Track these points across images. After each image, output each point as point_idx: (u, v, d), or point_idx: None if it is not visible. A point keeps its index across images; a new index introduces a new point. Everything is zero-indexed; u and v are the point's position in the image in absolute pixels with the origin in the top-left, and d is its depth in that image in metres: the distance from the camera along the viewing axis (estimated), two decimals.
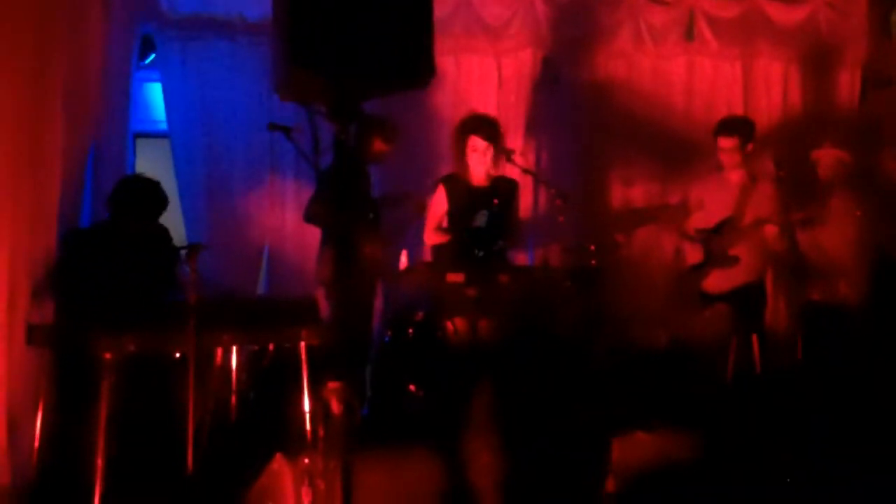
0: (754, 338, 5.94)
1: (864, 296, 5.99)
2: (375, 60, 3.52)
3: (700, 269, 6.09)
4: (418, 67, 3.64)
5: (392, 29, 3.55)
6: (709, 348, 5.91)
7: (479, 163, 5.83)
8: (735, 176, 6.13)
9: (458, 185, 5.95)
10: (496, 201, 5.79)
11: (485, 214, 5.77)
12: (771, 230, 5.85)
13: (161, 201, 5.46)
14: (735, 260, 5.94)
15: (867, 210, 6.12)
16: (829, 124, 7.25)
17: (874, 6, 7.63)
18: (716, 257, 6.02)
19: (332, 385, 3.37)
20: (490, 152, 5.81)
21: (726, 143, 6.09)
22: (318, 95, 3.70)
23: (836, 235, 6.10)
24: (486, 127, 5.84)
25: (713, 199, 6.17)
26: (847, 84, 7.62)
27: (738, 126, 6.18)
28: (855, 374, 5.29)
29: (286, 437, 4.43)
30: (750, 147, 6.11)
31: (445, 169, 6.42)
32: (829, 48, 7.54)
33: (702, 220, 6.17)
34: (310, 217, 5.98)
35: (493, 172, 5.91)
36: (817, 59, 7.54)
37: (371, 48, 3.51)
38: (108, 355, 4.23)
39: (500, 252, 5.86)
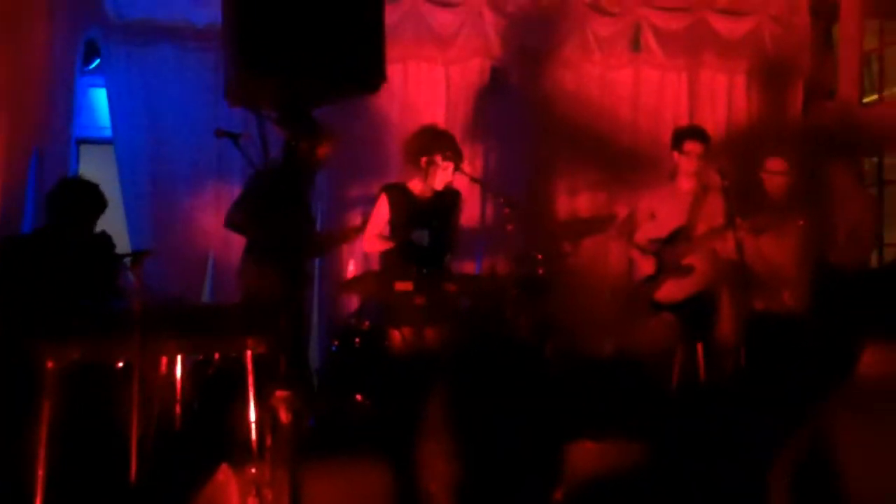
0: (700, 347, 5.99)
1: (806, 305, 6.06)
2: (326, 66, 3.53)
3: (654, 280, 6.12)
4: (369, 73, 3.66)
5: (343, 35, 3.56)
6: (655, 357, 5.94)
7: (443, 180, 5.87)
8: (688, 185, 6.19)
9: (401, 195, 5.96)
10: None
11: (424, 234, 5.79)
12: (723, 239, 5.89)
13: (99, 203, 5.37)
14: (689, 269, 5.99)
15: (809, 220, 6.20)
16: (773, 135, 7.35)
17: (817, 20, 7.75)
18: (669, 267, 6.05)
19: (281, 394, 3.33)
20: (451, 167, 5.85)
21: (695, 147, 6.13)
22: (268, 101, 3.69)
23: (779, 245, 6.17)
24: (452, 146, 5.87)
25: (665, 208, 6.21)
26: (790, 96, 7.71)
27: (702, 133, 6.24)
28: (796, 383, 5.34)
29: (232, 446, 4.38)
30: (704, 156, 6.17)
31: (393, 176, 6.43)
32: (773, 61, 7.64)
33: (653, 230, 6.20)
34: (233, 224, 5.88)
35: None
36: (762, 72, 7.64)
37: (322, 54, 3.51)
38: (50, 364, 4.15)
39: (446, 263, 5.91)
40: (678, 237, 6.07)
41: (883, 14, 7.70)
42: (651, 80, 7.57)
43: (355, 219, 6.75)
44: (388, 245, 5.90)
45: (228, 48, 3.65)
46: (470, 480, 1.99)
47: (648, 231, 6.24)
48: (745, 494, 3.90)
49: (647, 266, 6.16)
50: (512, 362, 2.25)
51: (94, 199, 5.35)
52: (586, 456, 3.59)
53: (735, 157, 7.10)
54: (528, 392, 2.19)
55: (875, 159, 7.58)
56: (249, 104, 4.01)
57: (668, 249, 6.07)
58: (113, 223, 5.64)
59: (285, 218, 5.54)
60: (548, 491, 2.07)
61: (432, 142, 5.91)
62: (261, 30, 3.41)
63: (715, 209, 6.04)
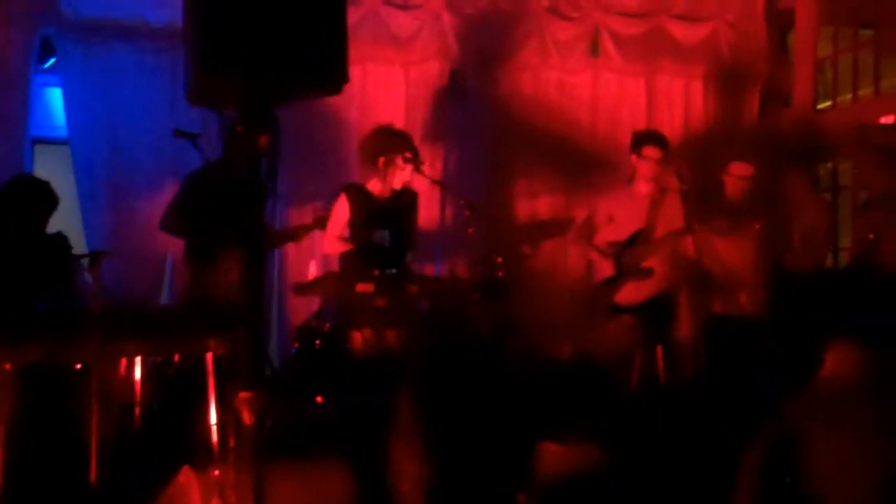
0: (659, 349, 6.03)
1: (763, 308, 6.11)
2: (289, 65, 3.50)
3: (614, 283, 6.15)
4: (332, 73, 3.63)
5: (306, 35, 3.53)
6: (615, 360, 5.97)
7: (401, 180, 5.87)
8: (646, 188, 6.22)
9: (360, 196, 5.94)
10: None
11: (385, 234, 5.79)
12: (682, 242, 5.94)
13: (50, 201, 5.28)
14: (649, 272, 6.02)
15: (765, 224, 6.27)
16: (729, 140, 7.42)
17: (772, 27, 7.84)
18: (629, 270, 6.09)
19: (244, 395, 3.31)
20: (409, 167, 5.85)
21: (653, 152, 6.16)
22: (230, 100, 3.65)
23: (736, 249, 6.23)
24: (410, 146, 5.86)
25: (624, 212, 6.24)
26: (746, 101, 7.80)
27: (660, 138, 6.29)
28: (754, 385, 5.39)
29: (193, 449, 4.34)
30: (662, 159, 6.22)
31: (352, 177, 6.42)
32: (730, 66, 7.72)
33: (612, 233, 6.24)
34: (169, 228, 5.81)
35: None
36: (718, 77, 7.72)
37: (284, 53, 3.48)
38: (7, 366, 4.09)
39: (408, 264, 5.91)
40: (637, 240, 6.10)
41: (837, 22, 7.80)
42: (609, 85, 7.62)
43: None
44: (348, 246, 5.88)
45: (190, 47, 3.61)
46: (440, 480, 2.00)
47: (607, 234, 6.27)
48: (707, 495, 3.93)
49: (606, 269, 6.18)
50: (479, 363, 2.26)
51: (43, 197, 5.26)
52: (549, 458, 3.60)
53: (692, 161, 7.17)
54: (495, 393, 2.19)
55: (829, 165, 7.67)
56: (211, 103, 3.98)
57: (628, 252, 6.10)
58: (69, 224, 5.57)
59: (229, 217, 5.52)
60: (517, 490, 2.07)
61: (390, 142, 5.91)
62: (223, 28, 3.37)
63: (673, 212, 6.09)
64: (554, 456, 3.44)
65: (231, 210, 5.63)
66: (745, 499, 2.52)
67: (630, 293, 6.10)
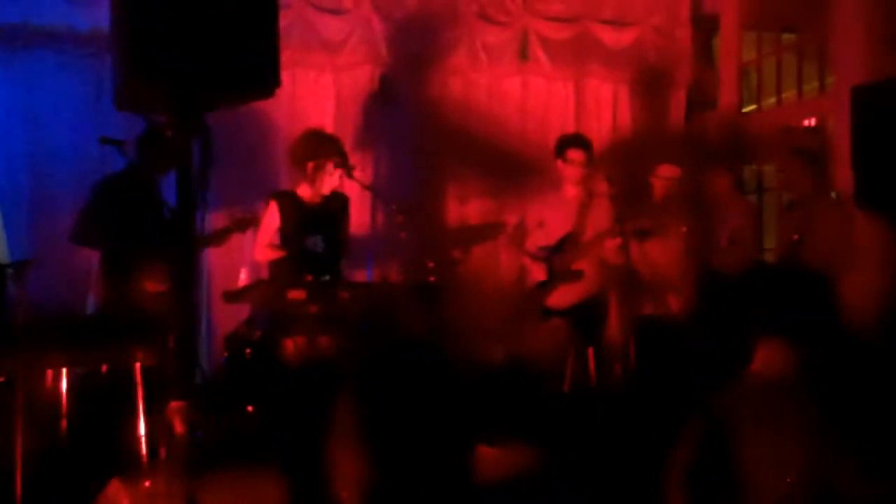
0: (590, 352, 6.07)
1: (691, 309, 6.19)
2: (220, 70, 3.45)
3: (545, 286, 6.18)
4: (264, 78, 3.59)
5: (237, 39, 3.49)
6: (546, 363, 6.00)
7: (331, 185, 5.83)
8: (573, 192, 6.27)
9: (291, 202, 5.90)
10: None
11: (318, 240, 5.75)
12: (611, 244, 5.98)
13: None
14: (579, 275, 6.06)
15: (692, 226, 6.35)
16: (657, 144, 7.51)
17: (698, 32, 7.96)
18: (560, 273, 6.12)
19: (175, 404, 3.25)
20: (338, 172, 5.82)
21: (578, 155, 6.22)
22: (160, 106, 3.59)
23: (664, 250, 6.30)
24: (340, 151, 5.83)
25: (553, 216, 6.28)
26: (673, 105, 7.90)
27: (584, 141, 6.33)
28: (683, 385, 5.45)
29: (122, 460, 4.26)
30: (587, 164, 6.27)
31: (280, 183, 6.37)
32: (656, 71, 7.81)
33: (542, 237, 6.27)
34: (81, 239, 5.69)
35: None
36: (645, 81, 7.80)
37: (215, 57, 3.43)
38: None
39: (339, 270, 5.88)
40: (567, 244, 6.14)
41: (760, 26, 7.94)
42: (538, 89, 7.66)
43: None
44: (280, 254, 5.83)
45: (118, 51, 3.54)
46: (381, 485, 1.98)
47: (538, 239, 6.31)
48: (639, 493, 3.96)
49: (538, 273, 6.21)
50: (415, 367, 2.25)
51: None
52: (483, 461, 3.60)
53: (620, 164, 7.23)
54: (432, 397, 2.18)
55: (754, 167, 7.79)
56: (140, 109, 3.92)
57: (558, 256, 6.14)
58: None
59: (141, 225, 5.46)
60: (460, 494, 2.07)
61: (320, 147, 5.87)
62: (152, 32, 3.31)
63: (602, 215, 6.14)
64: (490, 459, 3.45)
65: (149, 217, 5.59)
66: (676, 492, 2.55)
67: (561, 296, 6.13)
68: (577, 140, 6.37)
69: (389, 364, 2.17)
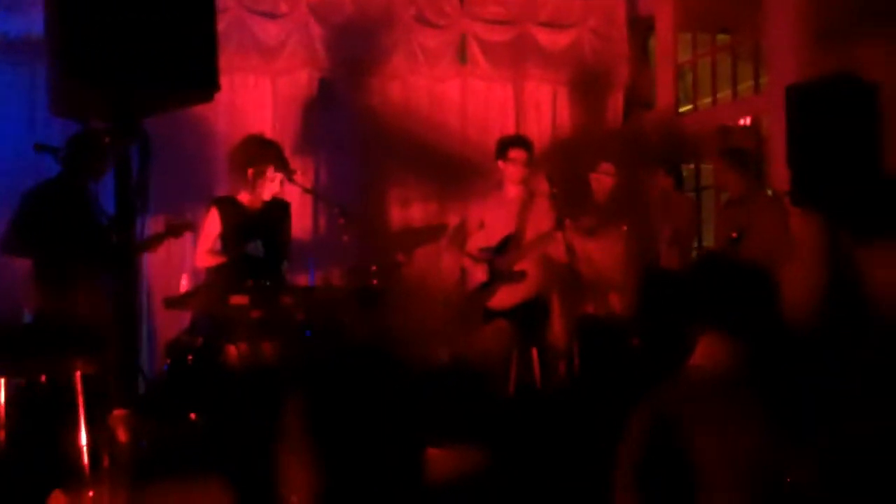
0: (534, 352, 6.09)
1: (633, 307, 6.24)
2: (158, 74, 3.42)
3: (487, 288, 6.18)
4: (202, 82, 3.57)
5: (175, 43, 3.46)
6: (490, 364, 6.01)
7: (272, 190, 5.80)
8: (514, 193, 6.29)
9: (231, 208, 5.86)
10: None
11: (259, 245, 5.71)
12: (553, 244, 6.00)
13: None
14: (522, 275, 6.07)
15: (632, 225, 6.41)
16: (596, 143, 7.58)
17: (634, 33, 8.04)
18: (502, 274, 6.13)
19: (118, 413, 3.21)
20: (279, 177, 5.78)
21: (519, 154, 6.23)
22: (96, 110, 3.55)
23: (605, 250, 6.35)
24: (280, 157, 5.79)
25: (494, 217, 6.30)
26: (611, 106, 7.97)
27: (525, 141, 6.36)
28: (626, 382, 5.49)
29: (64, 471, 4.20)
30: (528, 163, 6.29)
31: (219, 189, 6.32)
32: (594, 72, 7.88)
33: (483, 238, 6.28)
34: (12, 249, 5.56)
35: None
36: (583, 83, 7.86)
37: (153, 62, 3.41)
38: None
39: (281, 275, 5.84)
40: (508, 244, 6.16)
41: (695, 28, 8.05)
42: (478, 92, 7.69)
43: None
44: (221, 259, 5.78)
45: (53, 56, 3.49)
46: (331, 489, 1.98)
47: (479, 240, 6.32)
48: (585, 491, 3.99)
49: (479, 274, 6.22)
50: (361, 371, 2.24)
51: None
52: (433, 463, 3.61)
53: (560, 164, 7.29)
54: (379, 400, 2.18)
55: (692, 165, 7.89)
56: (75, 114, 3.87)
57: (499, 257, 6.15)
58: None
59: (75, 232, 5.39)
60: (417, 496, 2.07)
61: (259, 152, 5.83)
62: (88, 36, 3.28)
63: (543, 215, 6.15)
64: (438, 460, 3.45)
65: (83, 224, 5.52)
66: (624, 489, 2.57)
67: (503, 297, 6.14)
68: (517, 140, 6.40)
69: (336, 368, 2.16)
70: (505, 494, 4.20)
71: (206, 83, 3.52)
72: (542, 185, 6.26)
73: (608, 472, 2.69)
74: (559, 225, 5.86)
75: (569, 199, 6.40)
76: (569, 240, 5.80)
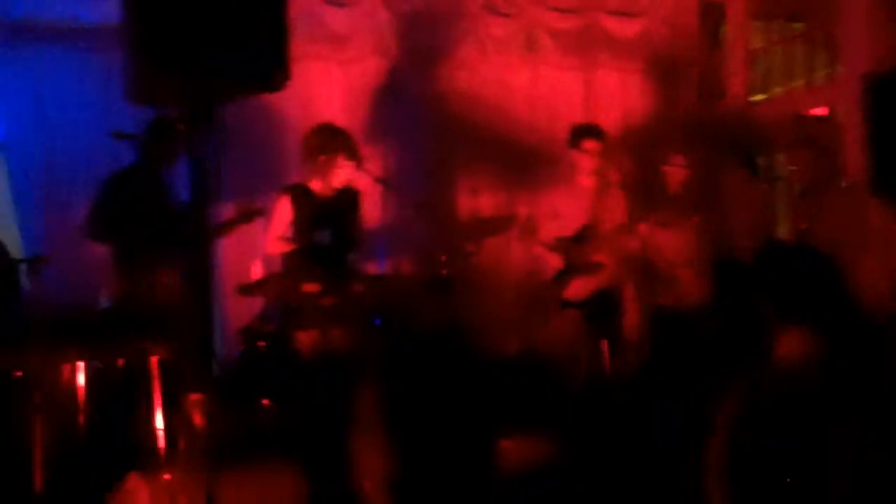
0: (604, 343, 6.05)
1: (706, 298, 6.18)
2: (231, 61, 3.46)
3: (563, 278, 6.15)
4: (274, 71, 3.60)
5: (247, 30, 3.50)
6: (560, 355, 5.99)
7: (342, 178, 5.83)
8: (587, 183, 6.24)
9: (302, 195, 5.90)
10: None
11: (326, 234, 5.75)
12: (631, 236, 5.93)
13: None
14: (598, 266, 6.03)
15: (705, 216, 6.33)
16: (667, 133, 7.49)
17: (705, 21, 7.94)
18: (578, 265, 6.09)
19: (195, 397, 3.26)
20: (350, 166, 5.82)
21: (592, 145, 6.18)
22: (171, 98, 3.60)
23: (677, 240, 6.28)
24: (350, 145, 5.84)
25: (568, 207, 6.26)
26: (682, 95, 7.88)
27: (599, 131, 6.31)
28: (698, 376, 5.44)
29: (140, 454, 4.27)
30: (602, 153, 6.24)
31: (289, 177, 6.37)
32: (665, 61, 7.80)
33: (559, 228, 6.24)
34: (96, 235, 5.72)
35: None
36: (654, 71, 7.78)
37: (226, 50, 3.44)
38: None
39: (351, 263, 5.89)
40: (585, 235, 6.11)
41: (768, 15, 7.93)
42: (546, 81, 7.64)
43: (255, 222, 6.70)
44: (289, 247, 5.83)
45: (130, 45, 3.54)
46: (404, 476, 1.98)
47: (554, 229, 6.28)
48: (656, 483, 3.97)
49: (554, 264, 6.19)
50: (436, 360, 2.25)
51: None
52: (507, 453, 3.60)
53: (631, 155, 7.23)
54: (454, 389, 2.18)
55: (765, 156, 7.78)
56: (151, 102, 3.92)
57: (576, 247, 6.11)
58: (3, 229, 5.48)
59: (151, 219, 5.49)
60: (488, 485, 2.07)
61: (331, 140, 5.87)
62: (165, 25, 3.32)
63: (617, 206, 6.11)
64: (510, 450, 3.45)
65: (159, 211, 5.61)
66: (715, 480, 2.55)
67: (578, 288, 6.11)
68: (591, 130, 6.35)
69: (412, 356, 2.17)
70: (574, 486, 4.18)
71: (277, 71, 3.54)
72: (616, 176, 6.22)
73: (676, 463, 2.67)
74: (634, 218, 5.80)
75: (641, 190, 6.36)
76: (645, 232, 5.75)
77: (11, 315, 4.88)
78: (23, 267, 5.07)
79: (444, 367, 2.17)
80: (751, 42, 7.94)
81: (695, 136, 7.49)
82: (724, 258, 6.23)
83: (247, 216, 6.04)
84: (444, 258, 5.97)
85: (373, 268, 6.59)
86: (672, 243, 6.23)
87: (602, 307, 6.12)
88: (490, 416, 2.27)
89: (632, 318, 6.28)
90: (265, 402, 5.39)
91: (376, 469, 2.04)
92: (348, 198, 6.01)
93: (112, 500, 3.88)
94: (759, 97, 8.06)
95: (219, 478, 3.36)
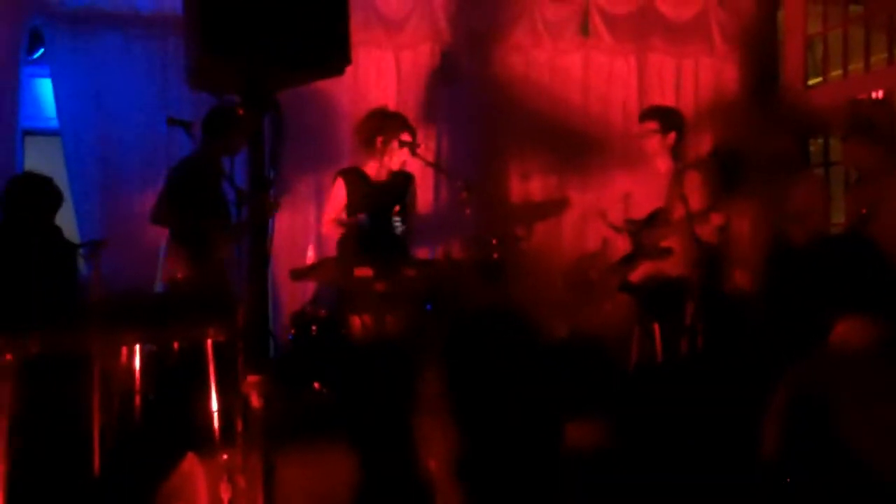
0: (656, 327, 6.00)
1: (760, 283, 6.11)
2: (291, 48, 3.47)
3: (630, 261, 6.09)
4: (334, 56, 3.60)
5: (307, 16, 3.50)
6: (612, 338, 5.95)
7: (398, 161, 5.86)
8: (664, 166, 6.13)
9: (357, 178, 5.94)
10: (397, 208, 5.82)
11: (365, 219, 5.78)
12: (706, 222, 5.78)
13: (56, 197, 5.37)
14: (668, 252, 5.91)
15: (760, 201, 6.26)
16: (722, 118, 7.42)
17: (762, 4, 7.84)
18: (647, 249, 6.01)
19: (252, 378, 3.29)
20: (404, 150, 5.85)
21: (653, 125, 6.11)
22: (231, 85, 3.62)
23: (733, 227, 6.21)
24: (408, 126, 5.86)
25: (641, 190, 6.18)
26: (737, 79, 7.79)
27: (659, 113, 6.23)
28: (750, 363, 5.40)
29: (197, 436, 4.33)
30: (672, 136, 6.17)
31: (343, 161, 6.40)
32: (720, 44, 7.72)
33: (630, 210, 6.16)
34: (162, 221, 5.85)
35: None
36: (709, 55, 7.71)
37: (286, 35, 3.45)
38: (9, 357, 4.06)
39: (403, 242, 5.90)
40: (657, 219, 6.03)
41: None
42: (600, 65, 7.61)
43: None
44: (344, 230, 5.87)
45: (190, 31, 3.56)
46: (470, 456, 1.99)
47: (625, 211, 6.22)
48: (707, 467, 3.95)
49: (622, 246, 6.13)
50: (505, 339, 2.25)
51: (49, 194, 5.34)
52: (568, 435, 3.61)
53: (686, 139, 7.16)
54: (517, 371, 2.19)
55: (821, 140, 7.68)
56: (211, 88, 3.95)
57: (646, 231, 6.04)
58: (59, 215, 5.57)
59: (211, 205, 5.55)
60: (554, 466, 2.08)
61: (387, 123, 5.92)
62: (225, 11, 3.34)
63: (694, 191, 5.99)
64: (573, 433, 3.45)
65: (216, 197, 5.67)
66: (770, 458, 2.53)
67: (643, 272, 6.03)
68: (653, 112, 6.27)
69: (477, 335, 2.18)
70: (639, 470, 4.17)
71: (337, 57, 3.55)
72: (693, 160, 6.14)
73: (726, 447, 2.66)
74: (713, 204, 5.69)
75: (717, 176, 6.26)
76: (718, 221, 5.62)
77: (69, 299, 4.96)
78: (81, 252, 5.15)
79: (506, 349, 2.18)
80: (808, 25, 7.82)
81: (750, 120, 7.40)
82: (777, 244, 6.16)
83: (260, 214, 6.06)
84: (495, 242, 5.97)
85: (423, 252, 6.61)
86: (743, 231, 6.13)
87: (661, 294, 6.03)
88: (555, 397, 2.27)
89: (692, 305, 6.21)
90: (316, 385, 5.44)
91: (442, 450, 2.06)
92: (402, 181, 6.03)
93: (169, 482, 3.93)
94: (815, 81, 7.95)
95: (276, 459, 3.39)
